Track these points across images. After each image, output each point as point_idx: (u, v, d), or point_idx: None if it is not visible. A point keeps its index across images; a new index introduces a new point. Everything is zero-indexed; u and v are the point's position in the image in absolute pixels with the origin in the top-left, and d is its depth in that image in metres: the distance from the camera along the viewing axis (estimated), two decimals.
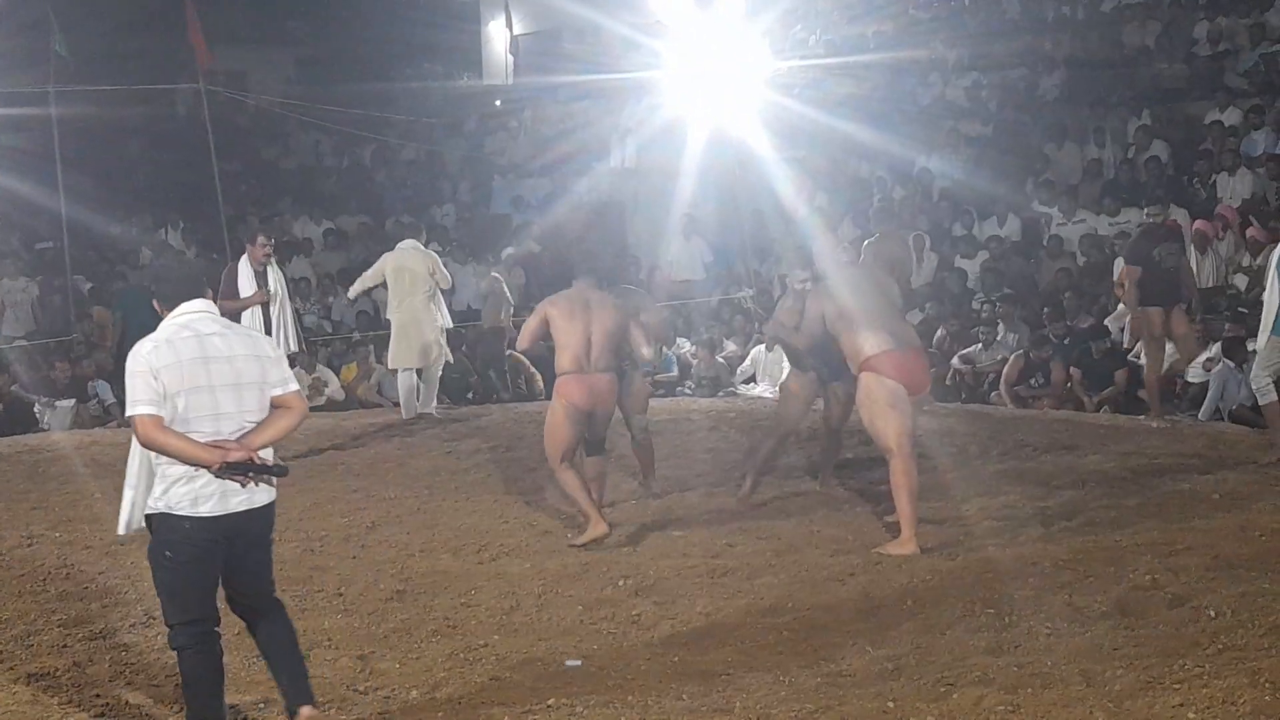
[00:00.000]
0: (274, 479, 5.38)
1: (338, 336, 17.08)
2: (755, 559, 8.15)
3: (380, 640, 6.90)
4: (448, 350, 13.90)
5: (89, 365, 15.20)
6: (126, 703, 6.06)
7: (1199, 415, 12.43)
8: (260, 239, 11.60)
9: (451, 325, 14.09)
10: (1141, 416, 12.39)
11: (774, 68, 19.29)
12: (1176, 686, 5.77)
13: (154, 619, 7.25)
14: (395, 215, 21.40)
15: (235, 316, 11.26)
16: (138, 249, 19.49)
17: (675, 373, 15.79)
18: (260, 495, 5.37)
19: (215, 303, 5.60)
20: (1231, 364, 12.46)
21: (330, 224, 20.98)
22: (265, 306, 11.45)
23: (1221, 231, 15.06)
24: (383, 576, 8.06)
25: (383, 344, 16.46)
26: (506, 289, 16.49)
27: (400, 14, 25.96)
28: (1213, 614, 6.70)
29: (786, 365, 14.65)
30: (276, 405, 5.41)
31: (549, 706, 5.90)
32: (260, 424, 5.34)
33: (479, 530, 9.14)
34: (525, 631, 6.98)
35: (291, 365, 13.33)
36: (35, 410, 14.33)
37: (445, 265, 18.19)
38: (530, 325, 8.94)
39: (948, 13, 21.58)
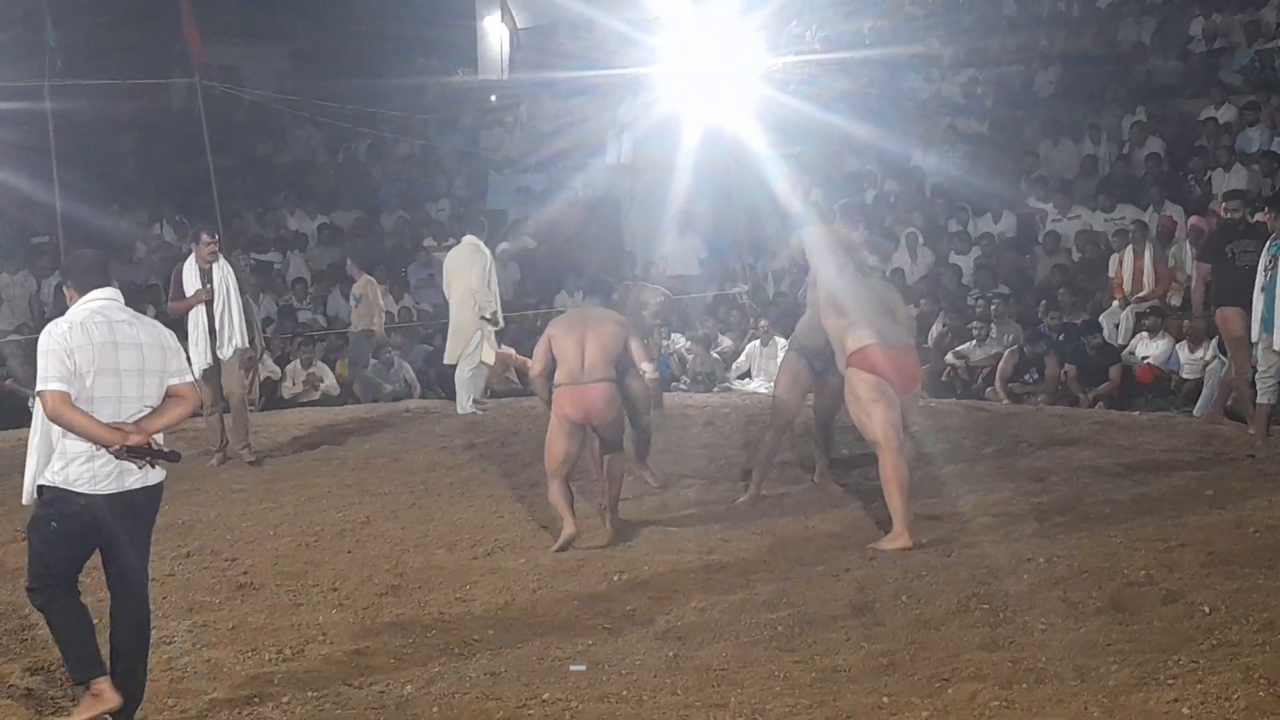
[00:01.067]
0: (167, 463, 5.66)
1: (333, 331, 17.07)
2: (750, 555, 8.15)
3: (375, 635, 6.90)
4: (485, 351, 13.79)
5: None
6: None
7: (1194, 411, 12.43)
8: (204, 237, 11.41)
9: (499, 325, 14.03)
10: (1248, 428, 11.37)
11: (770, 63, 19.28)
12: (1171, 682, 5.78)
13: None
14: (390, 210, 21.40)
15: (183, 317, 11.33)
16: (132, 243, 19.48)
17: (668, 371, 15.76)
18: (153, 474, 5.66)
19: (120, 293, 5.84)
20: (1227, 360, 12.46)
21: (325, 219, 20.96)
22: (209, 305, 11.30)
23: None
24: (377, 571, 8.05)
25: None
26: (379, 294, 16.37)
27: (395, 9, 25.89)
28: (1207, 610, 6.70)
29: (780, 359, 14.71)
30: (171, 394, 5.71)
31: (544, 701, 5.90)
32: (156, 410, 5.63)
33: (474, 525, 9.15)
34: (520, 626, 6.98)
35: (257, 361, 13.21)
36: (29, 404, 14.30)
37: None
38: (539, 351, 8.91)
39: (944, 9, 21.58)
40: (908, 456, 8.53)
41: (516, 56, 25.77)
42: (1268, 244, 10.54)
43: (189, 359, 11.20)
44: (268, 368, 15.49)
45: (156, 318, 6.19)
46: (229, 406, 11.62)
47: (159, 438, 5.63)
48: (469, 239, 13.84)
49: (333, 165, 24.20)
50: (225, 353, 11.39)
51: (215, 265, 11.38)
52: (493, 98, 25.19)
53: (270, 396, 15.16)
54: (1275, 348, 10.50)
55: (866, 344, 8.39)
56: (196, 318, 11.33)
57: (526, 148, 22.39)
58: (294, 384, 15.43)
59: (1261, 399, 10.65)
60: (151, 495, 5.71)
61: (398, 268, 18.97)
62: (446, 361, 13.96)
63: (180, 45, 18.48)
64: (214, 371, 11.39)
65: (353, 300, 16.31)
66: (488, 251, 13.77)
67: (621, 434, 9.02)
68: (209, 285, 11.30)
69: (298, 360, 15.62)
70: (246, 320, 11.55)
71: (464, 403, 13.69)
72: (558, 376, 8.70)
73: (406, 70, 25.21)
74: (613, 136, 20.80)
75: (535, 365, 9.00)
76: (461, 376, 13.75)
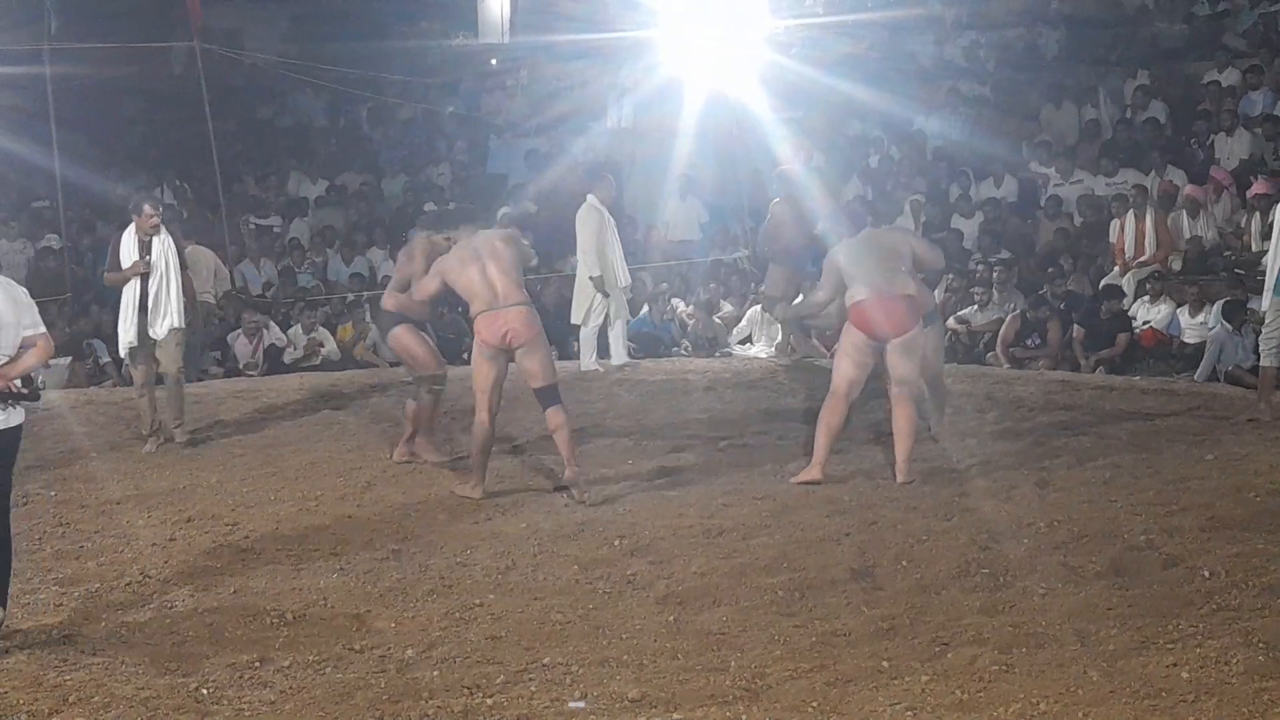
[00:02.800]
0: (29, 402, 6.45)
1: (335, 296, 17.06)
2: (750, 519, 8.16)
3: (376, 599, 6.91)
4: (613, 311, 13.70)
5: (86, 323, 15.20)
6: (123, 661, 6.07)
7: (1195, 376, 12.43)
8: (147, 209, 10.89)
9: (628, 283, 13.90)
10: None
11: (772, 26, 19.17)
12: (1170, 646, 5.80)
13: (149, 577, 7.28)
14: (392, 175, 21.34)
15: (119, 289, 10.91)
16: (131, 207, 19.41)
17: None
18: (14, 416, 6.38)
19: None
20: (1230, 326, 12.46)
21: (326, 182, 20.90)
22: (144, 278, 10.81)
23: (1215, 195, 15.05)
24: (379, 536, 8.06)
25: (378, 304, 16.45)
26: (220, 262, 15.61)
27: None
28: (1207, 574, 6.72)
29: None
30: (26, 344, 6.47)
31: (544, 665, 5.91)
32: (14, 358, 6.39)
33: None
34: (520, 591, 6.99)
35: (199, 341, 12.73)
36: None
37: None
38: (428, 287, 9.20)
39: None
40: (915, 398, 9.21)
41: (517, 19, 25.65)
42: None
43: (117, 333, 10.93)
44: (273, 334, 15.48)
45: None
46: (166, 385, 11.07)
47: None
48: (589, 197, 13.72)
49: (334, 129, 24.12)
50: (158, 331, 10.86)
51: (156, 238, 10.87)
52: (493, 61, 25.07)
53: (273, 362, 15.16)
54: None
55: (859, 299, 9.02)
56: (130, 292, 10.83)
57: (527, 112, 22.29)
58: (295, 349, 15.42)
59: (1264, 361, 10.59)
60: (10, 436, 6.40)
61: (399, 232, 18.94)
62: (572, 321, 13.88)
63: (181, 9, 18.38)
64: (141, 350, 10.90)
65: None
66: (603, 211, 13.63)
67: (555, 378, 9.05)
68: (147, 258, 10.82)
69: (299, 325, 15.60)
70: (186, 296, 11.08)
71: (585, 360, 13.66)
72: (473, 308, 8.89)
73: (407, 33, 25.12)
74: (614, 100, 20.70)
75: (421, 294, 9.36)
76: (584, 335, 13.72)
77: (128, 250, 10.88)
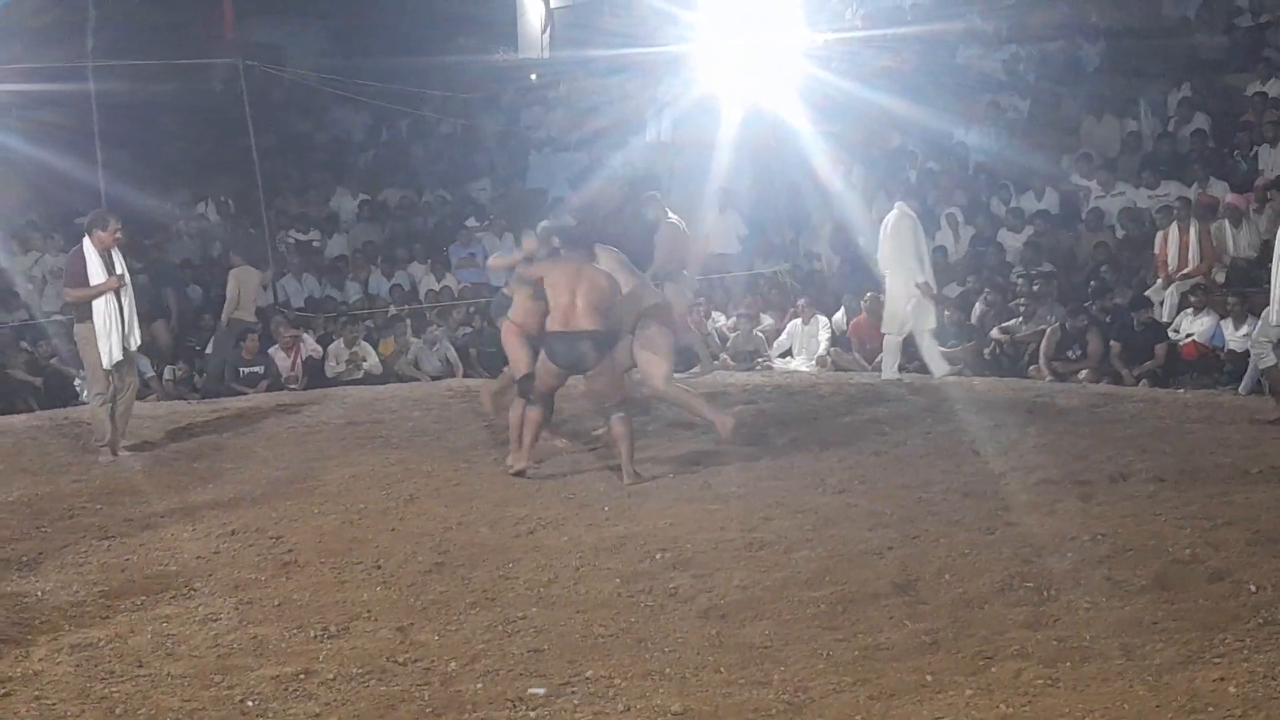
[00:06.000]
0: None
1: (377, 311, 17.13)
2: (792, 533, 8.14)
3: (419, 612, 6.93)
4: (928, 318, 13.93)
5: None
6: (168, 674, 6.09)
7: (1239, 389, 12.35)
8: (113, 224, 10.93)
9: (934, 291, 14.07)
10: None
11: (810, 40, 19.20)
12: (1217, 661, 5.75)
13: (195, 591, 7.32)
14: (432, 189, 21.43)
15: (87, 305, 10.89)
16: (175, 223, 19.57)
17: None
18: None
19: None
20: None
21: (366, 197, 21.01)
22: (118, 293, 10.90)
23: (1258, 205, 14.94)
24: (421, 549, 8.08)
25: (419, 319, 16.53)
26: (255, 283, 15.59)
27: None
28: (1253, 588, 6.66)
29: (824, 339, 14.77)
30: None
31: (587, 679, 5.91)
32: None
33: (516, 503, 9.17)
34: (563, 604, 7.00)
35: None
36: (75, 384, 14.43)
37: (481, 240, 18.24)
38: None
39: None
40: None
41: (556, 35, 25.76)
42: None
43: (98, 349, 10.83)
44: (309, 346, 15.56)
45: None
46: (122, 399, 11.24)
47: None
48: (898, 204, 14.01)
49: (374, 144, 24.25)
50: (133, 343, 11.11)
51: (115, 253, 10.95)
52: (533, 76, 25.18)
53: (314, 376, 15.23)
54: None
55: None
56: (107, 307, 10.86)
57: (567, 126, 22.38)
58: (337, 363, 15.50)
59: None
60: None
61: (439, 247, 19.02)
62: (883, 330, 14.24)
63: (221, 24, 18.58)
64: (122, 363, 11.05)
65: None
66: (915, 218, 13.87)
67: None
68: (120, 274, 10.91)
69: (341, 339, 15.68)
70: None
71: (888, 369, 14.02)
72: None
73: (447, 49, 25.25)
74: (653, 114, 20.76)
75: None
76: (889, 344, 14.09)
77: (95, 266, 10.89)
